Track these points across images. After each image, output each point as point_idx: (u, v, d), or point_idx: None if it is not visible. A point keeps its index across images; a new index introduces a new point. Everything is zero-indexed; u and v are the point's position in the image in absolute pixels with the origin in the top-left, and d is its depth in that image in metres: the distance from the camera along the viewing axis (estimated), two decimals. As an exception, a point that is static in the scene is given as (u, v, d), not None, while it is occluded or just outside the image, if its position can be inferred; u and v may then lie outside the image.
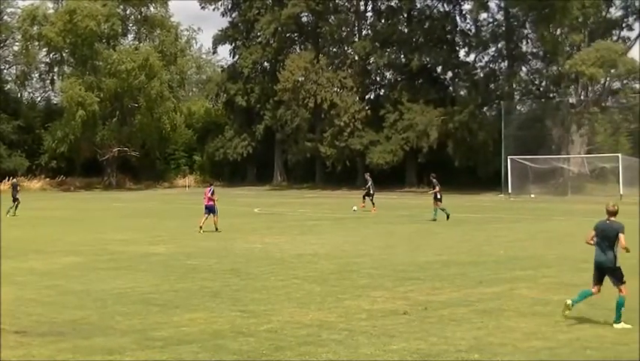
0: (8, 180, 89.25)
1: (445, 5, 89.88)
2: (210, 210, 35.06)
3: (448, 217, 40.16)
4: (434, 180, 41.97)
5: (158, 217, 45.80)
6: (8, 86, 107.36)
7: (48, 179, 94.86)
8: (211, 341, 13.10)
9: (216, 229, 34.45)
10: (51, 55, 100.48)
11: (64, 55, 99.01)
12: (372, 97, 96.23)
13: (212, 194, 35.28)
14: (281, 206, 55.71)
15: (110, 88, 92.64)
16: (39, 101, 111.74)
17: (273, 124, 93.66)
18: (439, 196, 41.16)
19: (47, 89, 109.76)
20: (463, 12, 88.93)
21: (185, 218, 44.67)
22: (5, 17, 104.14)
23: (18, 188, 50.56)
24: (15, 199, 48.00)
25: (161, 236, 32.58)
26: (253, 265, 22.71)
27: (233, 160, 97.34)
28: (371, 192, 49.23)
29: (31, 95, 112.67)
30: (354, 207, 48.97)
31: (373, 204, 48.55)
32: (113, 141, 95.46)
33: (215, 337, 13.39)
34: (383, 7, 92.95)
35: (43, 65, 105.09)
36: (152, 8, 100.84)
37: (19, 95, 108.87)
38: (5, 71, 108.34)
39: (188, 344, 12.86)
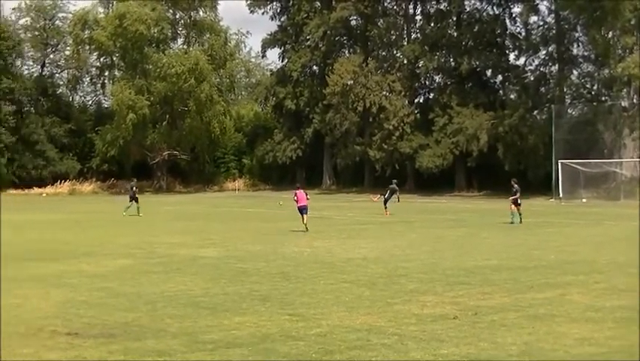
0: (60, 183, 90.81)
1: (495, 8, 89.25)
2: (304, 210, 36.92)
3: (521, 221, 40.67)
4: (516, 185, 42.24)
5: (208, 220, 46.02)
6: (60, 90, 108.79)
7: (99, 182, 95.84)
8: (260, 344, 13.13)
9: (306, 229, 36.19)
10: (101, 59, 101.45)
11: (114, 59, 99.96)
12: (421, 101, 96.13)
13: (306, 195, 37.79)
14: (330, 210, 55.70)
15: (160, 91, 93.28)
16: (90, 105, 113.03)
17: (322, 127, 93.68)
18: (519, 201, 41.58)
19: (98, 92, 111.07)
20: (513, 15, 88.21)
21: (235, 221, 44.90)
22: (57, 22, 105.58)
23: (135, 188, 53.98)
24: (133, 199, 51.29)
25: (211, 239, 32.70)
26: (302, 269, 22.74)
27: (282, 163, 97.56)
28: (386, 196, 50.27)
29: (82, 98, 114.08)
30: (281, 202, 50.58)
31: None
32: (162, 145, 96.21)
33: (264, 340, 13.41)
34: (432, 10, 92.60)
35: (93, 69, 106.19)
36: (201, 12, 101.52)
37: (70, 99, 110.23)
38: (57, 75, 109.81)
39: (237, 348, 12.90)
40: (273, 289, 19.10)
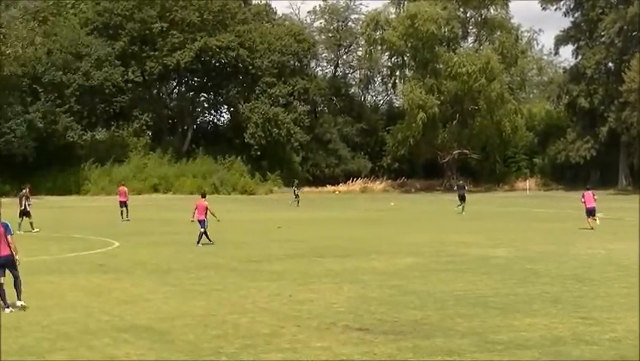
0: (352, 181, 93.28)
1: None
2: (593, 212, 38.22)
3: None
4: None
5: (498, 220, 45.69)
6: (352, 90, 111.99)
7: (390, 180, 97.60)
8: (551, 347, 12.92)
9: (591, 228, 37.00)
10: (393, 59, 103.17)
11: (405, 58, 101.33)
12: None
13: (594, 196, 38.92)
14: (625, 211, 53.68)
15: (450, 91, 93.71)
16: (381, 104, 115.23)
17: (618, 126, 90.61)
18: None
19: (389, 92, 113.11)
20: None
21: (526, 221, 44.36)
22: (350, 23, 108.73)
23: (465, 187, 56.62)
24: (462, 198, 52.76)
25: (501, 239, 32.48)
26: (595, 271, 22.13)
27: (575, 163, 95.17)
28: None
29: (374, 98, 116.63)
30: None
31: None
32: (452, 144, 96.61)
33: (555, 343, 13.18)
34: None
35: (385, 69, 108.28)
36: (492, 10, 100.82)
37: (362, 99, 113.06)
38: (349, 75, 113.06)
39: (527, 349, 12.75)
40: (565, 291, 18.72)
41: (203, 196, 32.75)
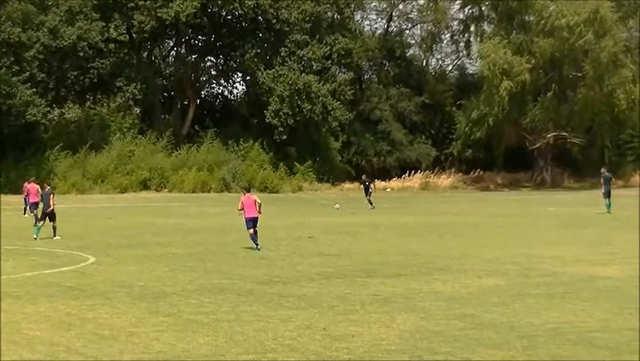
0: (409, 174, 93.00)
1: None
2: None
3: None
4: None
5: (608, 228, 45.40)
6: (410, 52, 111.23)
7: (461, 174, 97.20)
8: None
9: None
10: (466, 9, 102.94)
11: (483, 8, 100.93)
12: None
13: None
14: None
15: (545, 51, 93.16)
16: (450, 71, 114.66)
17: None
18: None
19: (461, 54, 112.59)
20: None
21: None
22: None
23: (612, 179, 59.52)
24: (608, 193, 55.53)
25: (613, 253, 32.34)
26: None
27: None
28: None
29: (440, 62, 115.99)
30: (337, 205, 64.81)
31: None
32: (547, 124, 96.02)
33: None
34: None
35: (455, 23, 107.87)
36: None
37: (423, 63, 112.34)
38: (407, 31, 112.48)
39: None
40: (698, 324, 18.63)
41: (248, 190, 34.59)
